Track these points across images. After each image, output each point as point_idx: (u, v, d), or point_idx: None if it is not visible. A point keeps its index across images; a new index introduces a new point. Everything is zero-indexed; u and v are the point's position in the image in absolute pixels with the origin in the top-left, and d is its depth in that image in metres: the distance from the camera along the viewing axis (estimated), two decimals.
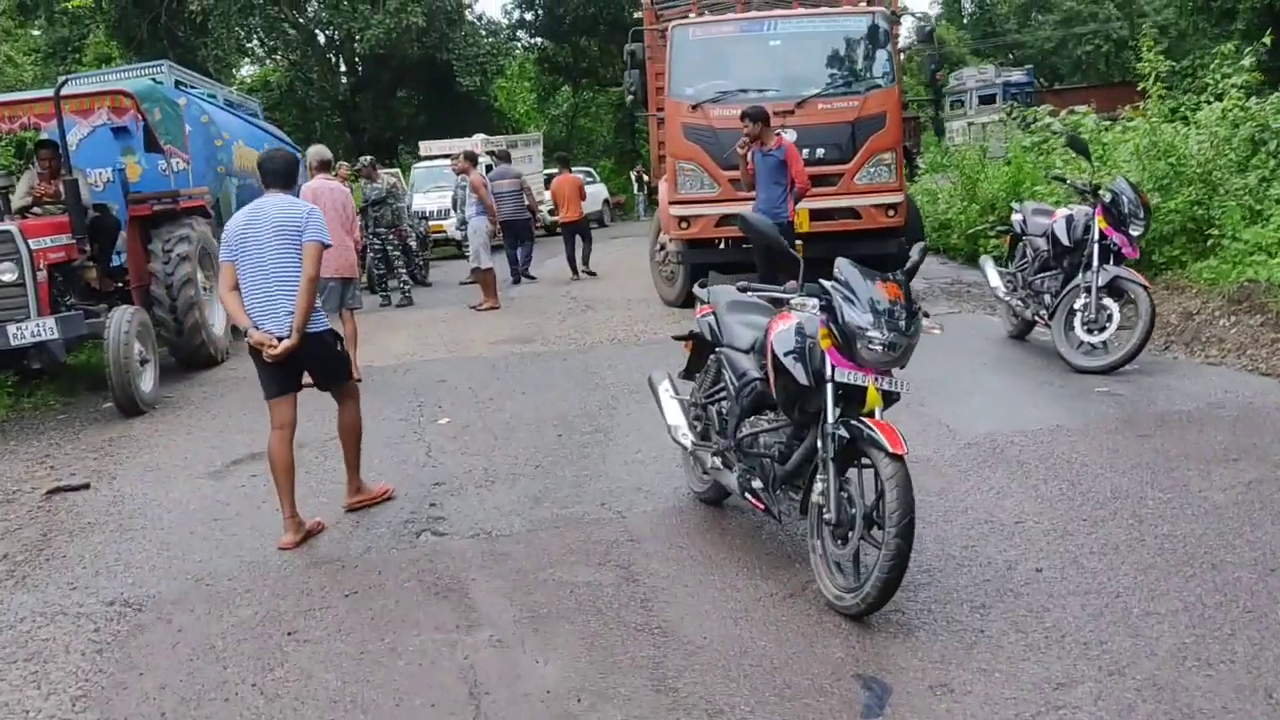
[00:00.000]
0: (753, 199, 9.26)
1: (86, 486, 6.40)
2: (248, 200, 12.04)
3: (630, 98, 11.03)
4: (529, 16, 41.02)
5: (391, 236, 13.92)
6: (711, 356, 5.01)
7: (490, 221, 13.13)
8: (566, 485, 5.69)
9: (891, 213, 10.30)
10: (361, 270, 15.67)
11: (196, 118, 11.03)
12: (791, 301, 4.07)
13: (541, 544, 4.88)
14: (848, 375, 3.90)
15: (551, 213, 23.90)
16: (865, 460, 3.93)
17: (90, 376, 9.63)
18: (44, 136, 9.48)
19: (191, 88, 11.96)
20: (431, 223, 20.27)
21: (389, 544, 5.09)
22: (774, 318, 4.35)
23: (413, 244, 15.19)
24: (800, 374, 4.03)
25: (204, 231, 10.07)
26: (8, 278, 7.86)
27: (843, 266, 4.06)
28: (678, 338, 5.42)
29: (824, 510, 3.94)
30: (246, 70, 41.72)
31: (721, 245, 11.20)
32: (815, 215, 10.03)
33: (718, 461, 4.71)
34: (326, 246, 5.19)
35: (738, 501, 5.02)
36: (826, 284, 4.00)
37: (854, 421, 3.89)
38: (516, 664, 3.79)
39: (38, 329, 7.81)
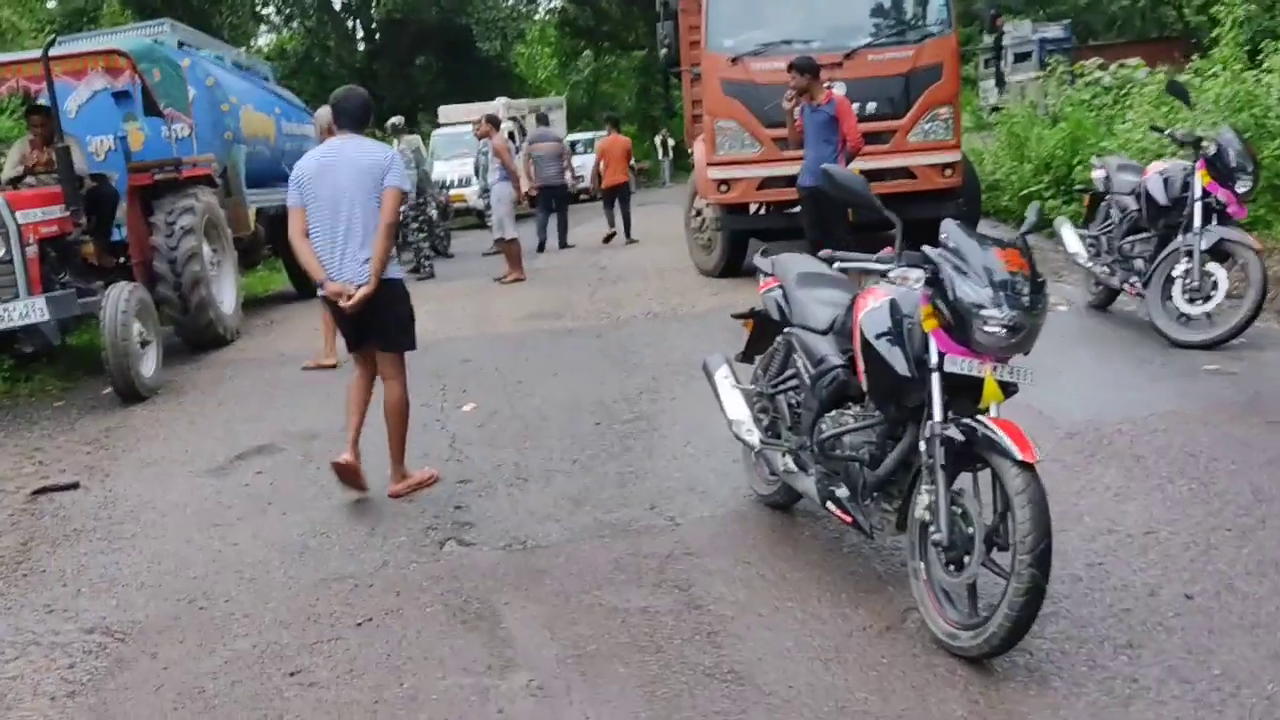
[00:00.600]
0: (800, 158, 8.50)
1: (75, 486, 5.77)
2: (257, 169, 11.46)
3: (664, 51, 10.26)
4: None
5: (405, 206, 13.26)
6: (779, 338, 4.30)
7: (515, 188, 12.41)
8: (609, 485, 5.01)
9: (948, 172, 9.51)
10: None
11: (201, 80, 10.34)
12: (891, 274, 3.35)
13: (584, 558, 4.21)
14: (961, 364, 3.19)
15: (577, 178, 23.22)
16: (980, 463, 3.24)
17: (91, 359, 9.00)
18: (39, 101, 8.84)
19: (196, 48, 11.26)
20: (452, 191, 19.62)
21: (409, 556, 4.44)
22: (860, 293, 3.63)
23: (433, 214, 14.48)
24: (899, 362, 3.32)
25: (210, 202, 9.41)
26: None
27: (950, 230, 3.34)
28: (737, 316, 4.70)
29: (931, 528, 3.24)
30: (264, 40, 41.08)
31: (762, 210, 10.47)
32: (866, 176, 9.22)
33: (790, 462, 4.01)
34: (406, 194, 5.06)
35: (810, 506, 4.33)
36: (933, 252, 3.29)
37: (968, 420, 3.18)
38: (561, 719, 3.13)
39: (27, 310, 7.19)
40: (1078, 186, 10.15)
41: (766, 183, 9.61)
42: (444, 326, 9.50)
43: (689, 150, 12.95)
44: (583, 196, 22.46)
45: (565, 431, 5.92)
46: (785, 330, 4.18)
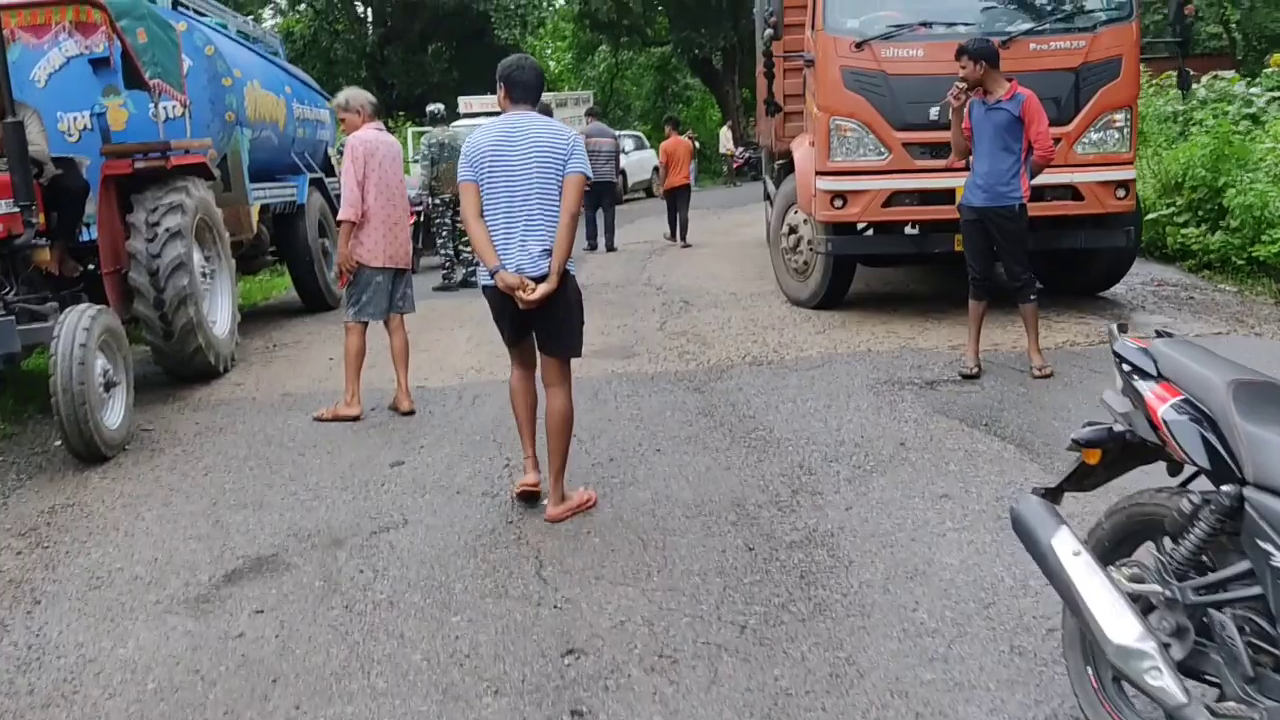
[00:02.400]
0: (961, 171, 6.69)
1: None
2: (262, 159, 9.56)
3: (768, 32, 8.39)
4: None
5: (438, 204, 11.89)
6: (1191, 499, 2.44)
7: None
8: (820, 688, 3.14)
9: (1122, 193, 7.68)
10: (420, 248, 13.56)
11: (199, 49, 8.48)
12: None
13: None
14: None
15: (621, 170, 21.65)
16: None
17: (47, 390, 7.16)
18: None
19: (196, 12, 9.40)
20: None
21: None
22: None
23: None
24: None
25: (204, 198, 7.55)
26: None
27: None
28: (1083, 444, 2.81)
29: None
30: (269, 23, 39.16)
31: (869, 230, 8.64)
32: None
33: None
34: (590, 180, 4.60)
35: None
36: None
37: None
38: None
39: None
40: None
41: (895, 198, 7.79)
42: (490, 362, 7.64)
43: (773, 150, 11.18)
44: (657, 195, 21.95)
45: (706, 559, 4.07)
46: (1224, 489, 2.32)
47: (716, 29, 36.12)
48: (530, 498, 4.66)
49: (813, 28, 8.47)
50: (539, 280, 4.31)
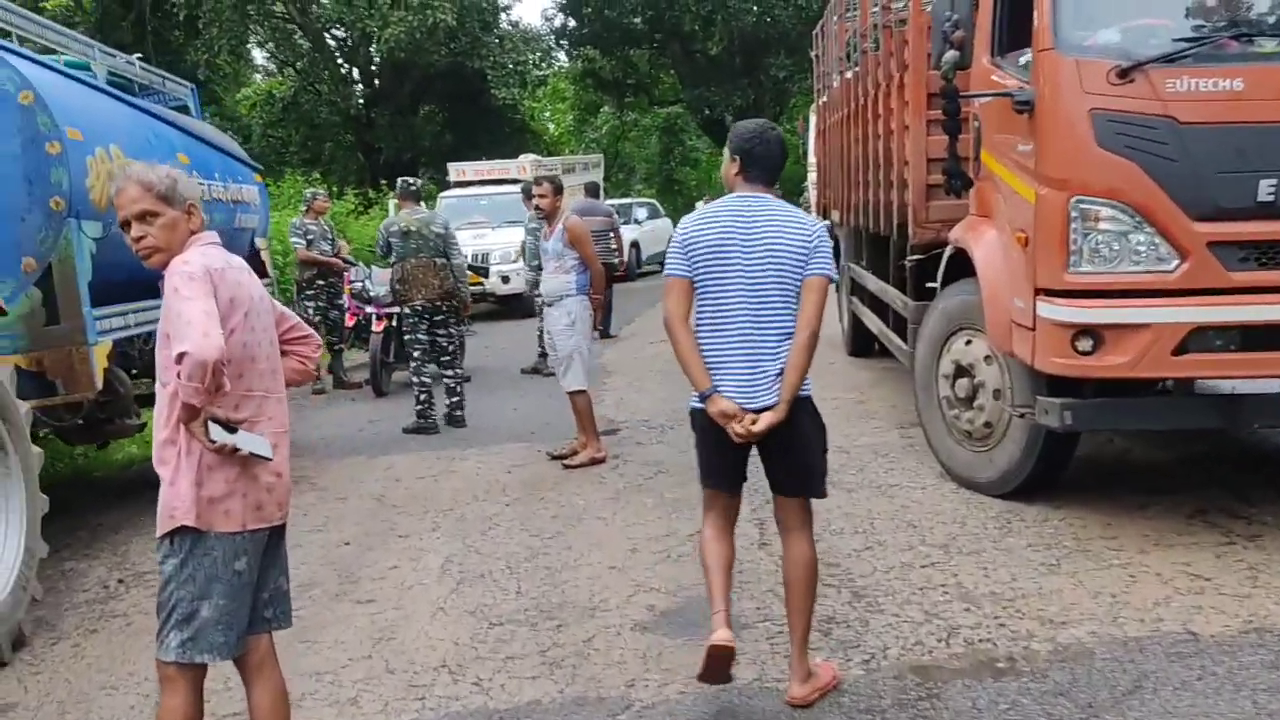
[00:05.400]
0: None
1: None
2: (129, 264, 6.19)
3: (950, 55, 5.03)
4: (572, 23, 35.22)
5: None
6: None
7: (594, 296, 7.16)
8: None
9: None
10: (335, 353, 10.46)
11: (7, 95, 5.18)
12: None
13: None
14: None
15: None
16: None
17: None
18: None
19: (6, 36, 6.06)
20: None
21: None
22: None
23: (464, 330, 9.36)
24: None
25: None
26: None
27: None
28: None
29: None
30: (258, 81, 36.41)
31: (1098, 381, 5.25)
32: None
33: None
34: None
35: None
36: None
37: None
38: None
39: None
40: None
41: (1197, 338, 4.42)
42: (480, 642, 4.20)
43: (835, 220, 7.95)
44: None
45: None
46: None
47: (731, 88, 33.53)
48: (722, 664, 3.37)
49: (996, 52, 5.24)
50: (763, 411, 3.32)
